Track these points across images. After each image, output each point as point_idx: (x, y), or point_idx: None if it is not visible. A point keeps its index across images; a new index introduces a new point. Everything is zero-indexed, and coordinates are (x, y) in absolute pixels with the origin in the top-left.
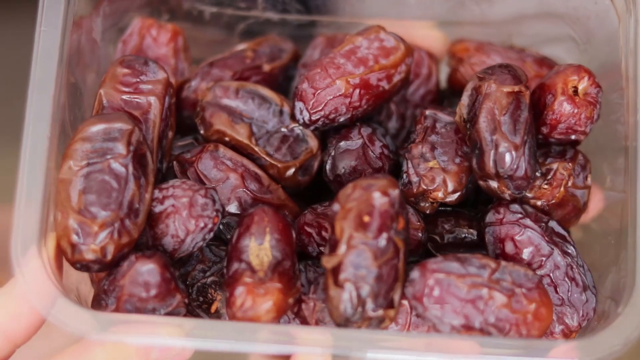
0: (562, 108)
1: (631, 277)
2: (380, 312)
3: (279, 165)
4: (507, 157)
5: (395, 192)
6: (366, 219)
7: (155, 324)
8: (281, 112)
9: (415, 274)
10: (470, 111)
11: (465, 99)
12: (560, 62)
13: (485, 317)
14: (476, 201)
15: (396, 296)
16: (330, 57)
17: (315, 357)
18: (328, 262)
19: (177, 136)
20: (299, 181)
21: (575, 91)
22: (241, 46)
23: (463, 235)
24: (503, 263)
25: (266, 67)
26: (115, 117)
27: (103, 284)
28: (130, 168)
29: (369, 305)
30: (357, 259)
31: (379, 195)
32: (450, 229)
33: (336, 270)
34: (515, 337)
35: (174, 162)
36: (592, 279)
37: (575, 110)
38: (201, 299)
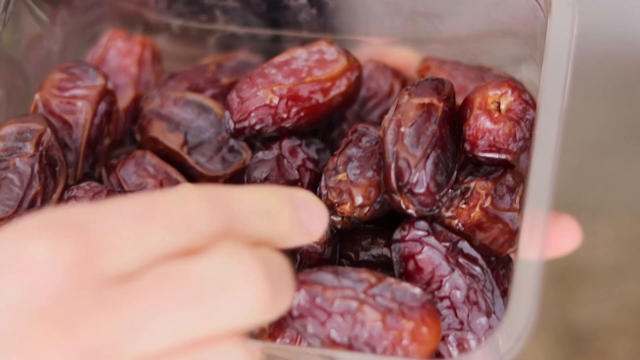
0: (478, 123)
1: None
2: None
3: (209, 174)
4: (405, 170)
5: None
6: None
7: None
8: (220, 123)
9: None
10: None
11: (390, 113)
12: (528, 84)
13: (356, 332)
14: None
15: None
16: (262, 67)
17: None
18: None
19: (125, 145)
20: None
21: (498, 106)
22: (207, 60)
23: (378, 254)
24: (389, 280)
25: (225, 81)
26: (30, 119)
27: None
28: (36, 167)
29: None
30: None
31: None
32: (367, 247)
33: None
34: (394, 356)
35: (103, 168)
36: (504, 306)
37: (492, 126)
38: None
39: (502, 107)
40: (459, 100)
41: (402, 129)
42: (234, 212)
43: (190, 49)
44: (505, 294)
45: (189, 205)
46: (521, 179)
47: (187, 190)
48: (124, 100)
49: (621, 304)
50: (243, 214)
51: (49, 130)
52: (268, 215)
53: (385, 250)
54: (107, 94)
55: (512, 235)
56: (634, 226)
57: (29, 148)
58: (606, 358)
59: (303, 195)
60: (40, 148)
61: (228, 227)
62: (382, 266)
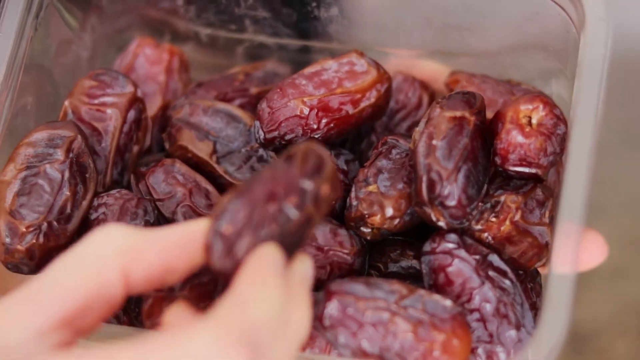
0: (509, 137)
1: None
2: None
3: (238, 184)
4: (437, 183)
5: None
6: None
7: None
8: (249, 132)
9: (320, 294)
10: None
11: (420, 125)
12: (557, 99)
13: (388, 343)
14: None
15: None
16: (292, 78)
17: None
18: None
19: (153, 152)
20: None
21: (529, 121)
22: (236, 69)
23: (407, 265)
24: (420, 291)
25: (253, 90)
26: (61, 125)
27: None
28: (67, 174)
29: None
30: None
31: None
32: (396, 258)
33: None
34: None
35: (131, 175)
36: (533, 319)
37: (524, 140)
38: (137, 309)
39: (534, 121)
40: (488, 114)
41: (434, 142)
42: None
43: (217, 58)
44: (533, 307)
45: None
46: (550, 193)
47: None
48: (152, 108)
49: (621, 304)
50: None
51: (79, 137)
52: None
53: (414, 262)
54: (137, 102)
55: (541, 249)
56: (634, 226)
57: (60, 154)
58: (606, 358)
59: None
60: (71, 155)
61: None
62: (411, 278)
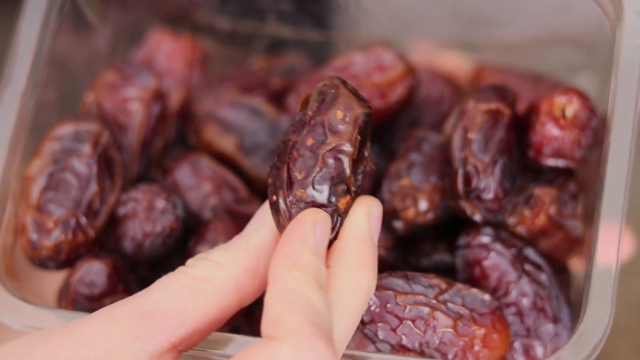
0: (544, 129)
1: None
2: None
3: (265, 178)
4: (473, 176)
5: None
6: None
7: None
8: (274, 126)
9: None
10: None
11: (452, 118)
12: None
13: (427, 339)
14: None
15: None
16: (320, 71)
17: None
18: None
19: (178, 146)
20: None
21: (563, 113)
22: (257, 63)
23: (439, 260)
24: (458, 285)
25: (275, 84)
26: (87, 119)
27: (63, 282)
28: (94, 169)
29: None
30: None
31: None
32: (428, 252)
33: None
34: None
35: (158, 169)
36: (569, 314)
37: (559, 133)
38: None
39: (568, 114)
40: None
41: (470, 135)
42: None
43: (236, 50)
44: (567, 301)
45: None
46: (582, 186)
47: None
48: (172, 102)
49: (624, 304)
50: None
51: (106, 132)
52: None
53: (445, 257)
54: (160, 96)
55: (572, 243)
56: (636, 226)
57: (87, 149)
58: (608, 358)
59: None
60: (99, 149)
61: None
62: (442, 272)
